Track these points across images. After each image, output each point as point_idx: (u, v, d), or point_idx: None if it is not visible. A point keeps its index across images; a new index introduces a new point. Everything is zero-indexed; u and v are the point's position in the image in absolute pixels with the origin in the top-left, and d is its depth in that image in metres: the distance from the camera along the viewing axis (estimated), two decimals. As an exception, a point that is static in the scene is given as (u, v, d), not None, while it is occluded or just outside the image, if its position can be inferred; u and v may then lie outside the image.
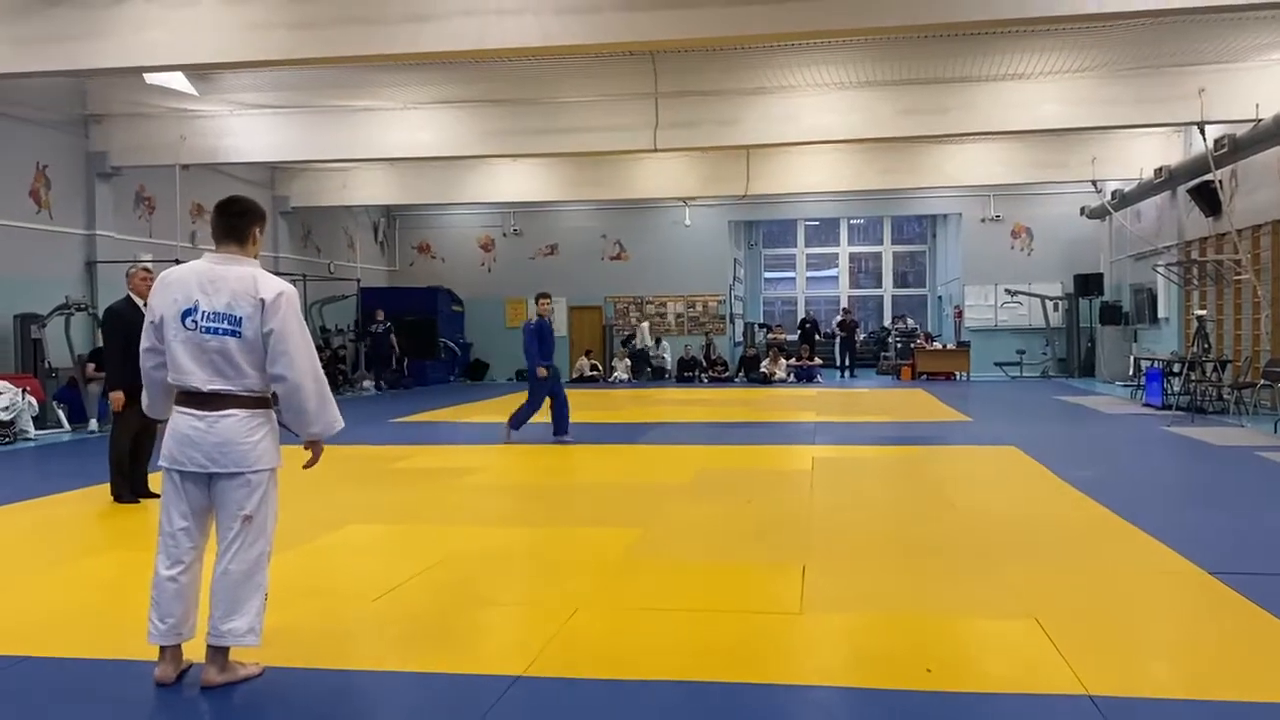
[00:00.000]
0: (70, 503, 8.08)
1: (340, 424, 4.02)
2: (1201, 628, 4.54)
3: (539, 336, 11.54)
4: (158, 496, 7.86)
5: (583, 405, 15.71)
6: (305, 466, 4.07)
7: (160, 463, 3.90)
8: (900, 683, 3.78)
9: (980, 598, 4.95)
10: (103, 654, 4.24)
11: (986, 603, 4.85)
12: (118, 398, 7.99)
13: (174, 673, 3.87)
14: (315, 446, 4.06)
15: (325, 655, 4.19)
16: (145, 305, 7.97)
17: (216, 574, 3.83)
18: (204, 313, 3.76)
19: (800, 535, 6.42)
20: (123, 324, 8.09)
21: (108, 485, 8.11)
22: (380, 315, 22.93)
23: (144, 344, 3.92)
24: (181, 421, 3.82)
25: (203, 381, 3.77)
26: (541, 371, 11.47)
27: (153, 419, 4.18)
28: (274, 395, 3.93)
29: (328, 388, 3.97)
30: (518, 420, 11.65)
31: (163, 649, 3.87)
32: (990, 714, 3.52)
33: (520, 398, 12.34)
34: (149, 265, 8.45)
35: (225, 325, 3.75)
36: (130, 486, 8.07)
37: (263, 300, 3.76)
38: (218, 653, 3.82)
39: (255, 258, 3.95)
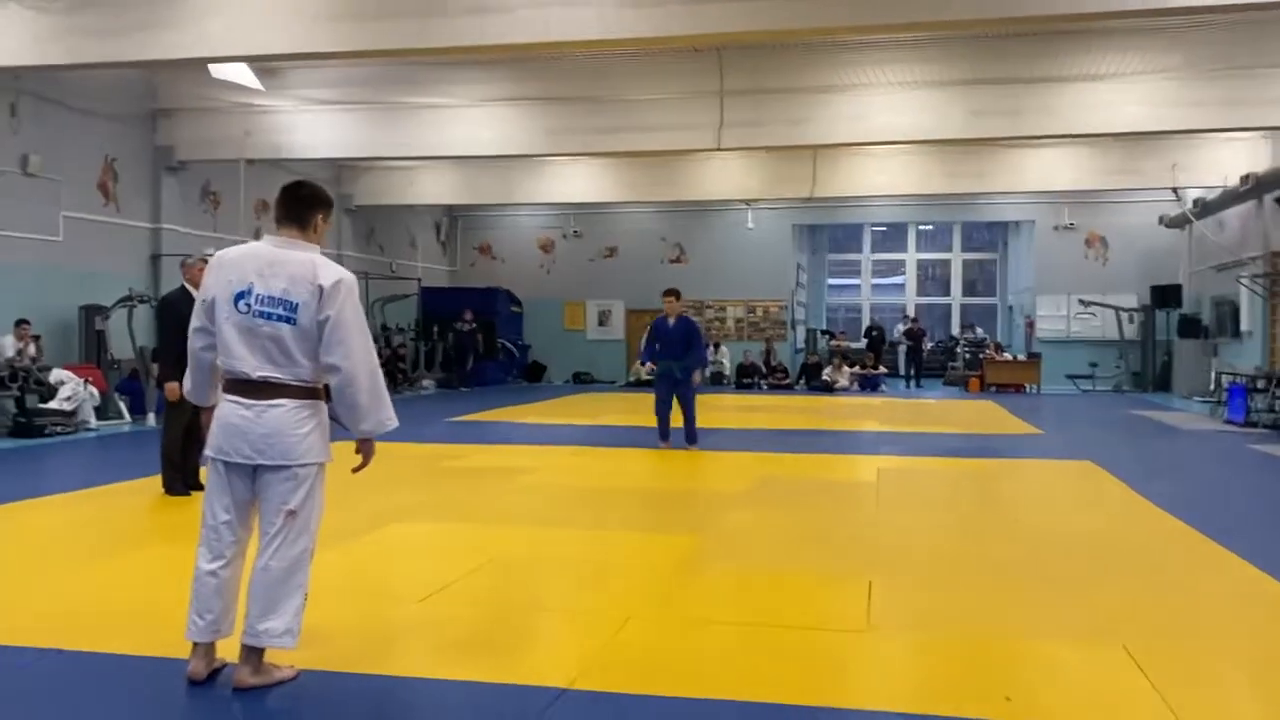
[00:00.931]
0: (121, 494, 8.02)
1: (393, 422, 3.78)
2: (1310, 661, 4.15)
3: (651, 335, 11.16)
4: (209, 489, 7.79)
5: (639, 409, 15.47)
6: (355, 470, 3.81)
7: (206, 452, 3.73)
8: (976, 711, 3.46)
9: (1062, 621, 4.59)
10: (138, 650, 4.07)
11: (1069, 627, 4.50)
12: (173, 389, 7.90)
13: (205, 669, 3.69)
14: (366, 447, 3.81)
15: (364, 659, 3.97)
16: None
17: (256, 570, 3.65)
18: (258, 295, 3.59)
19: (865, 549, 6.09)
20: (177, 315, 7.98)
21: (159, 477, 8.04)
22: (469, 315, 23.17)
23: (194, 323, 3.75)
24: (229, 410, 3.65)
25: (252, 368, 3.60)
26: (640, 369, 11.01)
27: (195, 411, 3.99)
28: (326, 388, 3.72)
29: (383, 383, 3.75)
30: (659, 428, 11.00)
31: (195, 644, 3.70)
32: (1079, 751, 3.19)
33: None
34: (207, 255, 8.36)
35: (281, 311, 3.58)
36: (182, 479, 7.97)
37: (321, 286, 3.57)
38: (252, 653, 3.63)
39: (318, 245, 3.76)
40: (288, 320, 3.58)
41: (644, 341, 11.18)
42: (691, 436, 10.74)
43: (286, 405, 3.62)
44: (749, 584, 5.19)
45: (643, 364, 11.19)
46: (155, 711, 3.53)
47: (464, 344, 23.07)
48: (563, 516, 7.09)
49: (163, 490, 7.94)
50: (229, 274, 3.66)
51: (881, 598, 4.90)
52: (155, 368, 13.75)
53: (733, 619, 4.58)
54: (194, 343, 3.78)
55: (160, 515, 7.33)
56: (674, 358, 10.69)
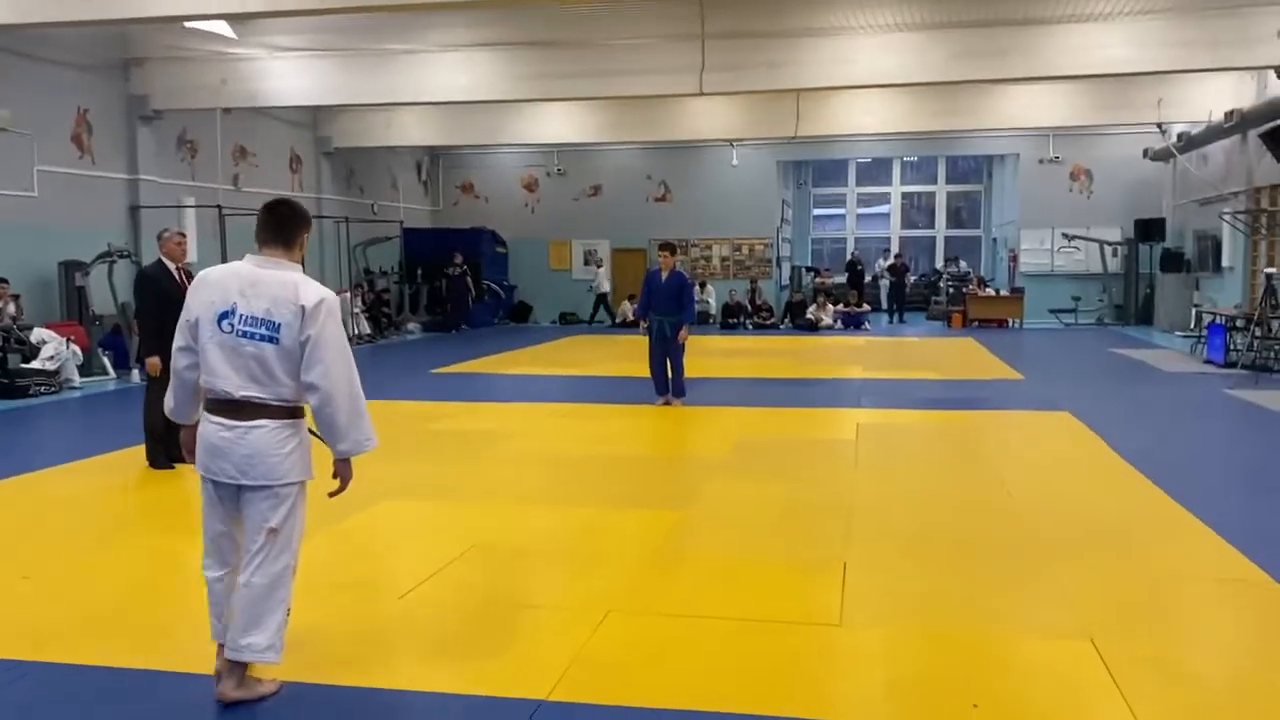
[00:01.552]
0: (105, 469, 8.05)
1: (373, 443, 3.79)
2: (1268, 651, 4.26)
3: (644, 286, 11.15)
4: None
5: (625, 355, 15.54)
6: (331, 495, 3.83)
7: (197, 468, 3.78)
8: (944, 721, 3.57)
9: (1033, 609, 4.71)
10: (122, 662, 4.13)
11: (1040, 616, 4.61)
12: (154, 364, 7.91)
13: (238, 692, 3.76)
14: (343, 469, 3.81)
15: (340, 667, 4.05)
16: (177, 269, 7.97)
17: (239, 586, 3.72)
18: (241, 316, 3.61)
19: (841, 524, 6.18)
20: (155, 288, 7.98)
21: (144, 447, 8.08)
22: (458, 258, 23.10)
23: (178, 343, 3.76)
24: (210, 431, 3.68)
25: (235, 387, 3.62)
26: (641, 324, 11.27)
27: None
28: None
29: (363, 403, 3.75)
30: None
31: (220, 645, 3.79)
32: (1040, 764, 3.30)
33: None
34: (184, 231, 8.31)
35: (264, 330, 3.60)
36: (165, 452, 8.02)
37: (303, 307, 3.60)
38: (235, 667, 3.71)
39: (300, 263, 3.79)
40: (271, 340, 3.61)
41: (640, 295, 11.36)
42: (678, 390, 10.95)
43: (268, 426, 3.66)
44: (724, 570, 5.27)
45: (638, 319, 11.38)
46: (143, 731, 3.60)
47: (457, 288, 23.04)
48: (545, 491, 7.15)
49: (147, 463, 8.02)
50: (212, 294, 3.67)
51: (855, 584, 5.00)
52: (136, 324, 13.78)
53: (709, 612, 4.66)
54: (177, 362, 3.79)
55: (148, 493, 7.39)
56: (665, 312, 10.82)
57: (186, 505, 7.11)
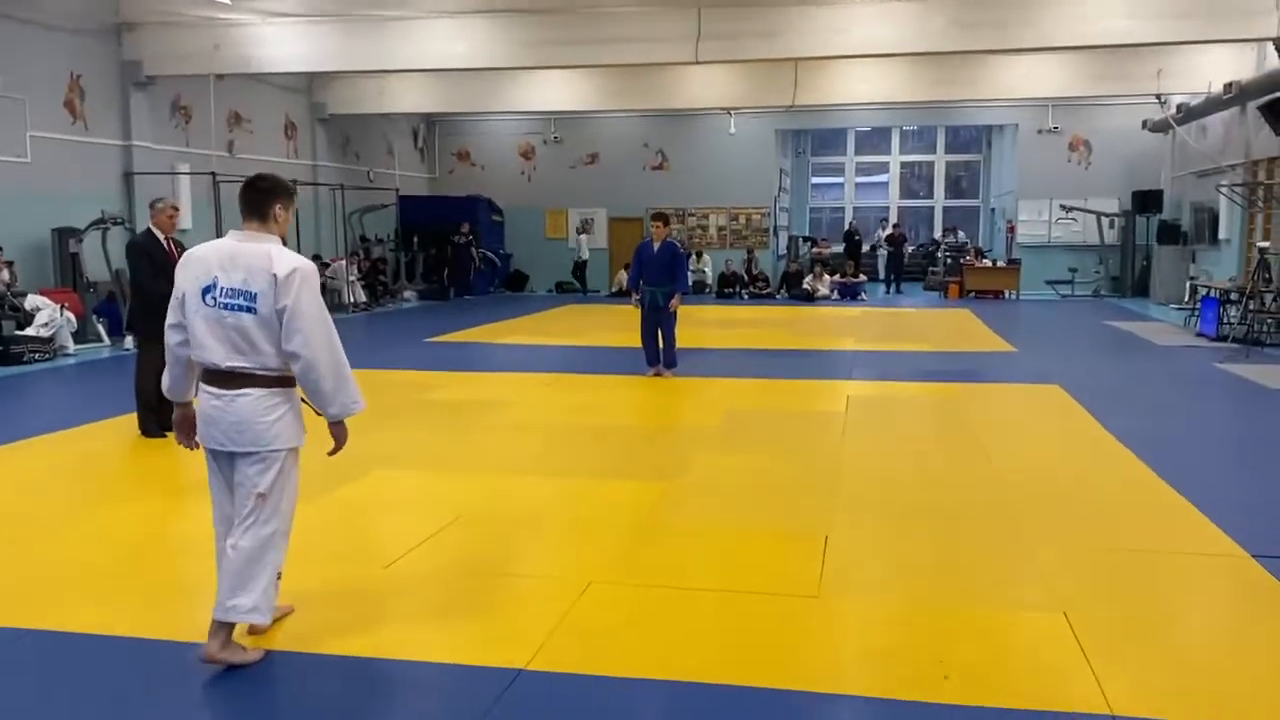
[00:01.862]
0: (98, 436, 8.10)
1: (360, 405, 3.91)
2: (1236, 628, 4.33)
3: (635, 257, 11.12)
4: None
5: (619, 325, 15.56)
6: (330, 454, 3.97)
7: (197, 439, 3.96)
8: (914, 692, 3.62)
9: (1009, 581, 4.76)
10: (111, 630, 4.19)
11: (1015, 589, 4.67)
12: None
13: (224, 654, 3.85)
14: (337, 430, 3.94)
15: (324, 635, 4.11)
16: (166, 240, 7.98)
17: (228, 549, 3.83)
18: (222, 288, 3.74)
19: (826, 496, 6.24)
20: (146, 257, 7.98)
21: (136, 416, 8.12)
22: (465, 227, 23.31)
23: (170, 320, 3.88)
24: (204, 400, 3.83)
25: (221, 358, 3.76)
26: (632, 298, 11.15)
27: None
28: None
29: (347, 366, 3.87)
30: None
31: (213, 623, 3.85)
32: (1006, 735, 3.36)
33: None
34: (178, 205, 8.30)
35: (242, 301, 3.73)
36: (157, 420, 8.06)
37: (276, 276, 3.70)
38: (221, 627, 3.81)
39: (280, 236, 3.90)
40: (249, 310, 3.72)
41: (631, 267, 11.31)
42: (669, 361, 10.96)
43: (255, 394, 3.78)
44: (707, 541, 5.33)
45: (629, 291, 11.27)
46: (115, 703, 3.66)
47: (462, 256, 23.11)
48: (535, 462, 7.20)
49: (139, 431, 8.06)
50: (196, 270, 3.80)
51: (835, 555, 5.06)
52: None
53: (690, 583, 4.72)
54: (170, 339, 3.89)
55: (139, 460, 7.45)
56: (657, 283, 10.72)
57: (176, 472, 7.18)
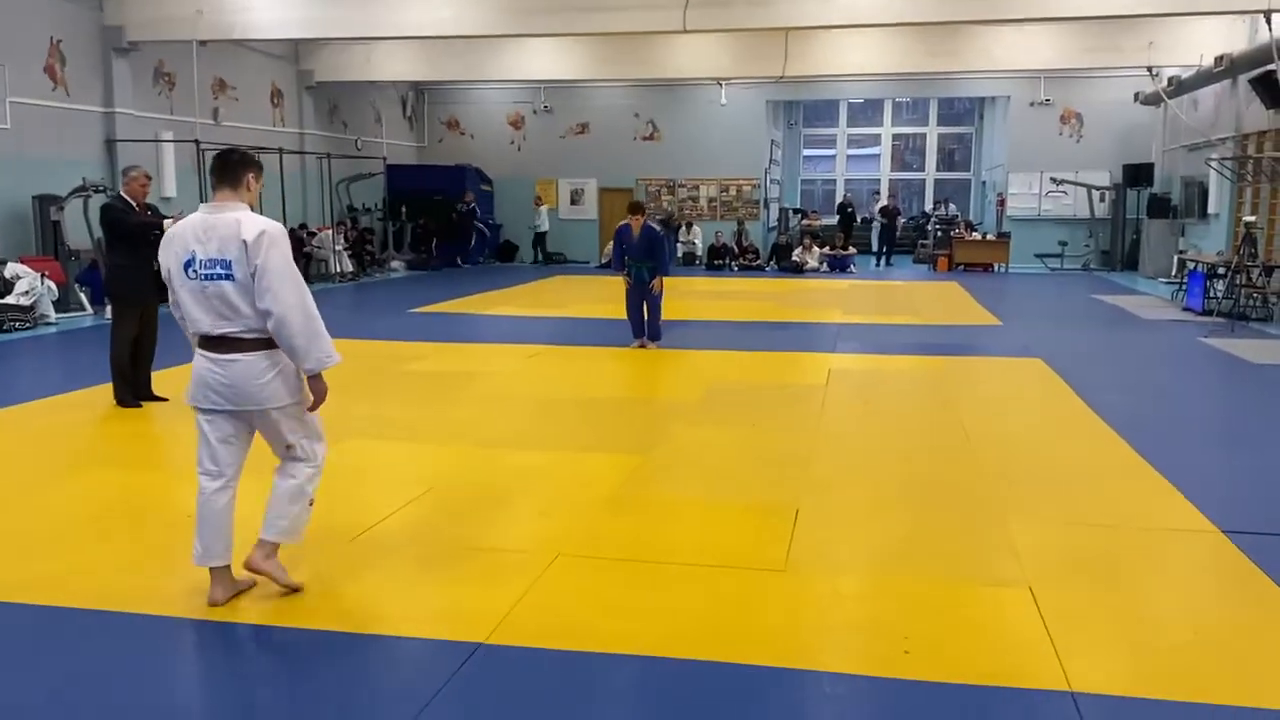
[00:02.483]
0: (73, 406, 8.04)
1: (334, 359, 4.03)
2: (1202, 605, 4.32)
3: (616, 241, 11.16)
4: (161, 400, 7.87)
5: (606, 297, 15.48)
6: (309, 409, 4.16)
7: (186, 401, 4.12)
8: (873, 667, 3.62)
9: (977, 556, 4.75)
10: (67, 601, 4.16)
11: (983, 564, 4.65)
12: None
13: (223, 596, 4.11)
14: (315, 384, 4.09)
15: (287, 608, 4.09)
16: (140, 206, 7.89)
17: (273, 486, 4.20)
18: (200, 260, 3.91)
19: (800, 469, 6.22)
20: (119, 222, 7.89)
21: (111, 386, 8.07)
22: (470, 197, 23.62)
23: (170, 297, 4.08)
24: (200, 363, 4.03)
25: (210, 326, 3.95)
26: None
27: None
28: None
29: (319, 323, 3.99)
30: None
31: (212, 571, 4.11)
32: (961, 710, 3.35)
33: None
34: (150, 174, 8.20)
35: (219, 270, 3.90)
36: (132, 390, 8.03)
37: (245, 241, 3.85)
38: (265, 543, 4.17)
39: (251, 205, 4.05)
40: (227, 277, 3.89)
41: (612, 250, 11.36)
42: (654, 333, 11.07)
43: (246, 359, 3.96)
44: (678, 515, 5.32)
45: (617, 272, 11.29)
46: (56, 674, 3.64)
47: (464, 225, 23.31)
48: (511, 434, 7.17)
49: (114, 401, 8.00)
50: (176, 247, 3.98)
51: (805, 530, 5.04)
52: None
53: (658, 556, 4.71)
54: (175, 313, 4.11)
55: (112, 428, 7.40)
56: (640, 259, 10.88)
57: (147, 443, 7.16)
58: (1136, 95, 21.45)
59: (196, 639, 3.91)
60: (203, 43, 16.42)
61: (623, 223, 11.10)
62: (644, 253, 10.92)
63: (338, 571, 4.53)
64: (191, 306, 3.94)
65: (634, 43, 19.63)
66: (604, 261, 23.13)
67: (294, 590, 4.19)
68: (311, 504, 4.26)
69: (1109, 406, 7.89)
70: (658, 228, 11.38)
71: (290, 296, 3.87)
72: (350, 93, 22.69)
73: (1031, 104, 23.38)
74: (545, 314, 14.46)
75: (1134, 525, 5.22)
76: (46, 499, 5.60)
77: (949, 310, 15.08)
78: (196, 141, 16.31)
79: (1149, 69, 19.20)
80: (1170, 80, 19.45)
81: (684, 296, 17.14)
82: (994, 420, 7.71)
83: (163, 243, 4.07)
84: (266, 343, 3.96)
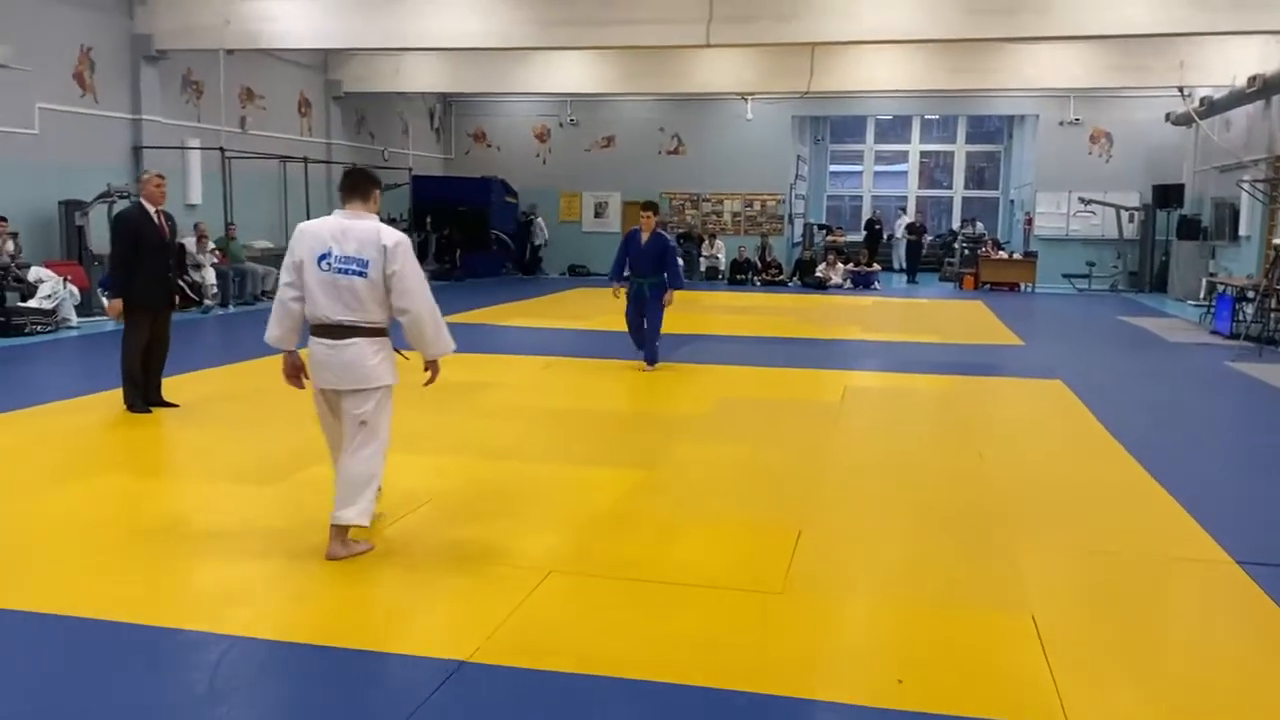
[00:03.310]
0: (84, 410, 8.05)
1: (453, 346, 4.81)
2: (1211, 638, 4.18)
3: (622, 248, 10.52)
4: (172, 406, 7.87)
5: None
6: (425, 385, 4.87)
7: (309, 380, 4.76)
8: (863, 696, 3.50)
9: (980, 581, 4.62)
10: (57, 609, 4.13)
11: (985, 589, 4.53)
12: (115, 306, 7.91)
13: (343, 551, 4.65)
14: (434, 367, 4.87)
15: (277, 621, 4.05)
16: (157, 213, 7.91)
17: (340, 469, 4.72)
18: (336, 256, 4.51)
19: (805, 488, 6.12)
20: (132, 229, 7.93)
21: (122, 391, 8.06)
22: (533, 209, 24.65)
23: (284, 279, 4.65)
24: (317, 349, 4.65)
25: (333, 313, 4.54)
26: (614, 290, 10.52)
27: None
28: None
29: (440, 317, 4.71)
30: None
31: (331, 528, 4.67)
32: (954, 744, 3.24)
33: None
34: (162, 174, 8.22)
35: (355, 267, 4.51)
36: (142, 395, 8.03)
37: (385, 246, 4.51)
38: (339, 531, 4.66)
39: (375, 214, 4.70)
40: (361, 274, 4.52)
41: (615, 256, 10.70)
42: (651, 355, 10.33)
43: (359, 343, 4.59)
44: (676, 533, 5.22)
45: (613, 282, 10.60)
46: (32, 679, 3.59)
47: (521, 235, 24.09)
48: (515, 447, 7.10)
49: (125, 406, 8.00)
50: (311, 241, 4.58)
51: (806, 551, 4.94)
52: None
53: (653, 575, 4.62)
54: (284, 294, 4.65)
55: (119, 434, 7.39)
56: (645, 274, 10.19)
57: (151, 449, 7.15)
58: (1167, 115, 21.22)
59: (174, 649, 3.84)
60: (230, 52, 16.54)
61: (632, 228, 10.43)
62: (653, 263, 10.14)
63: (326, 583, 4.47)
64: (319, 295, 4.52)
65: (660, 56, 19.61)
66: (626, 274, 23.11)
67: (368, 550, 4.75)
68: (379, 489, 4.80)
69: (1127, 430, 7.73)
70: (670, 236, 10.69)
71: (422, 298, 4.61)
72: (378, 103, 22.81)
73: (1061, 123, 23.17)
74: (564, 325, 14.42)
75: (1145, 553, 5.09)
76: (42, 503, 5.57)
77: (971, 329, 14.90)
78: (221, 149, 16.42)
79: (1180, 89, 18.99)
80: (1202, 100, 19.20)
81: (704, 311, 17.07)
82: (1009, 442, 7.57)
83: (296, 234, 4.64)
84: (375, 332, 4.60)
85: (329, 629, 3.99)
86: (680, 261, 11.64)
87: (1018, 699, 3.50)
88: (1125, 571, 4.82)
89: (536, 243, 24.84)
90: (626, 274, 10.43)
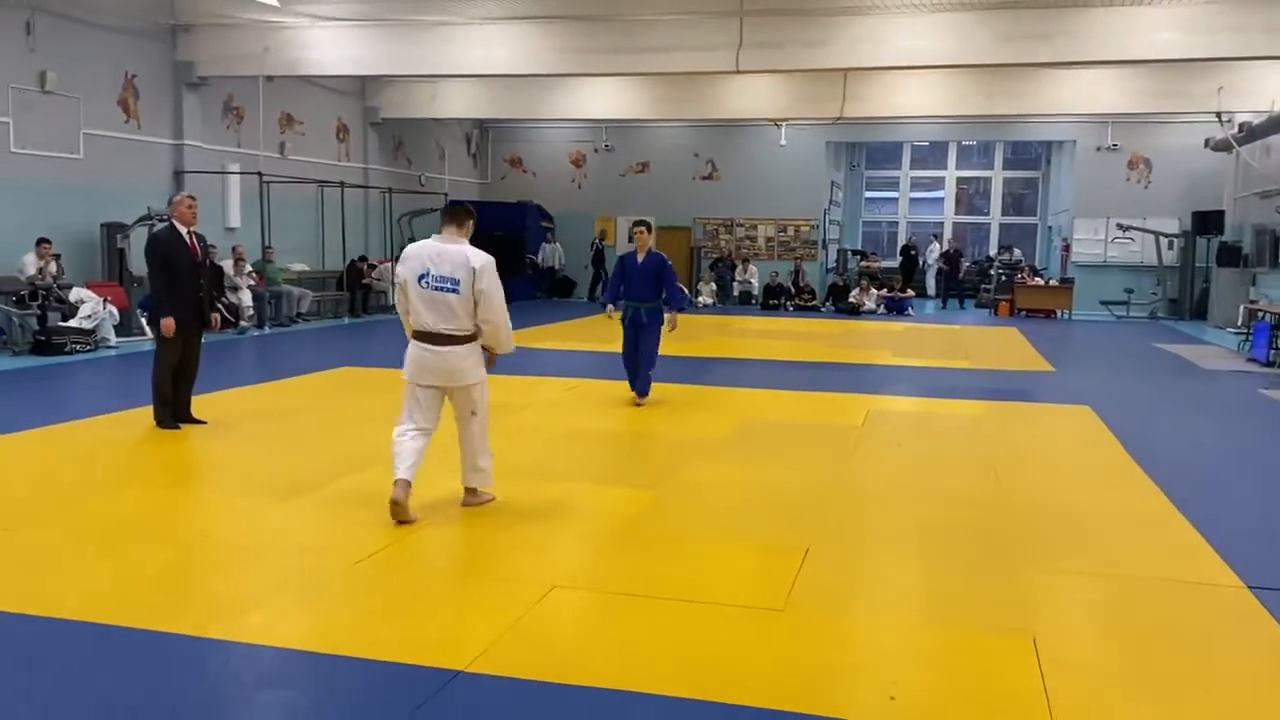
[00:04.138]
0: (114, 426, 8.22)
1: (512, 349, 5.89)
2: (1216, 663, 4.11)
3: (617, 271, 9.92)
4: (200, 423, 8.00)
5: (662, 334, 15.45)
6: (489, 370, 5.83)
7: (404, 375, 5.69)
8: (853, 712, 3.50)
9: (985, 603, 4.60)
10: (83, 615, 4.23)
11: (987, 610, 4.51)
12: (169, 324, 8.02)
13: (403, 496, 5.49)
14: (494, 359, 5.89)
15: (280, 628, 4.12)
16: (188, 233, 8.08)
17: (463, 443, 5.85)
18: (434, 276, 5.46)
19: (816, 510, 6.12)
20: (165, 251, 8.11)
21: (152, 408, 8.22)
22: (604, 234, 25.17)
23: (397, 297, 5.75)
24: (418, 352, 5.60)
25: (433, 323, 5.51)
26: (609, 313, 9.79)
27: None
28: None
29: (510, 326, 5.71)
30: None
31: (396, 480, 5.51)
32: (941, 761, 3.23)
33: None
34: (194, 195, 8.42)
35: (449, 285, 5.47)
36: (172, 412, 8.18)
37: (474, 268, 5.45)
38: (470, 490, 5.92)
39: (467, 239, 5.61)
40: (454, 290, 5.47)
41: (610, 279, 9.99)
42: (643, 386, 9.68)
43: (456, 350, 5.56)
44: (684, 550, 5.24)
45: (605, 306, 9.87)
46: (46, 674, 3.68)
47: (598, 261, 24.61)
48: (529, 466, 7.13)
49: (154, 423, 8.16)
50: (413, 264, 5.55)
51: (811, 570, 4.94)
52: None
53: (657, 592, 4.63)
54: (399, 306, 5.77)
55: (147, 450, 7.53)
56: (642, 298, 9.53)
57: (178, 464, 7.28)
58: (1207, 141, 20.99)
59: (185, 655, 3.91)
60: (269, 78, 16.89)
61: (627, 252, 9.81)
62: (649, 285, 9.48)
63: (333, 594, 4.54)
64: (421, 308, 5.49)
65: (693, 83, 19.75)
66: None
67: (491, 499, 5.92)
68: (492, 455, 5.87)
69: (1152, 456, 7.65)
70: (666, 257, 9.87)
71: (501, 310, 5.59)
72: (415, 129, 23.13)
73: (1098, 149, 23.02)
74: (593, 349, 14.48)
75: (1154, 577, 5.03)
76: (72, 514, 5.71)
77: (1003, 355, 14.79)
78: (260, 174, 16.74)
79: (1218, 114, 18.80)
80: (1241, 126, 19.00)
81: (735, 335, 17.10)
82: (1028, 467, 7.51)
83: (401, 258, 5.66)
84: (468, 338, 5.54)
85: (330, 637, 4.05)
86: (681, 286, 11.01)
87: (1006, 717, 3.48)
88: (1131, 595, 4.77)
89: (548, 264, 25.03)
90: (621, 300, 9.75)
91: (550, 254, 25.11)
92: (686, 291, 16.69)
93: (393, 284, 5.85)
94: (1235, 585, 4.85)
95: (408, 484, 5.49)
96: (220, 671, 3.79)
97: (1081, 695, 3.66)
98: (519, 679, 3.70)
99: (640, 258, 9.58)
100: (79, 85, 14.37)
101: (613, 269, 10.15)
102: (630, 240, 24.94)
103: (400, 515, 5.45)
